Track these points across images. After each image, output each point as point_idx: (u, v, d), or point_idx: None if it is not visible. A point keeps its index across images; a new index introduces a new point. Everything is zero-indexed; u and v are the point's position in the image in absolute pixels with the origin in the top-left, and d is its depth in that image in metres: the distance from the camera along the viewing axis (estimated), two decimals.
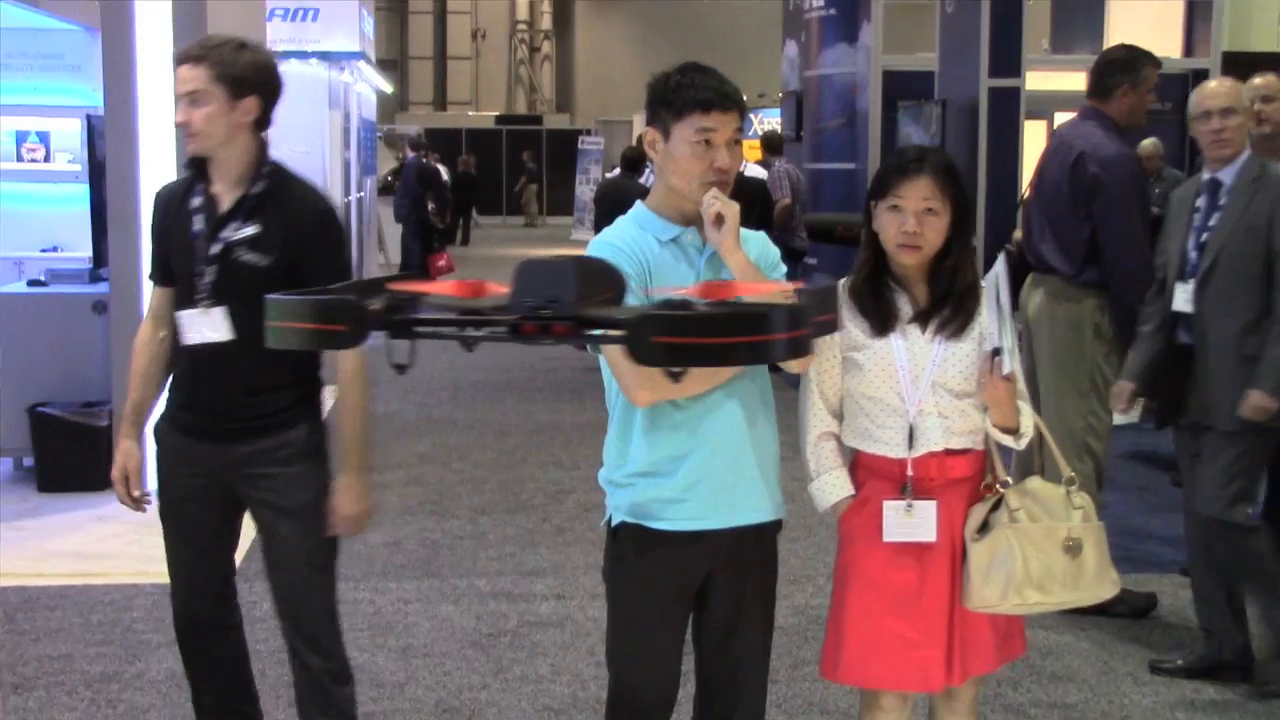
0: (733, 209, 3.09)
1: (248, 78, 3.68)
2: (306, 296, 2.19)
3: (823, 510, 3.46)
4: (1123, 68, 5.76)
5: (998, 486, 3.35)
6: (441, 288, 2.32)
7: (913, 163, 3.32)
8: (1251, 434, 4.84)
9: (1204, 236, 4.95)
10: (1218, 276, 4.90)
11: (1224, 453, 4.89)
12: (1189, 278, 4.97)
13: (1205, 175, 5.02)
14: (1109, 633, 5.50)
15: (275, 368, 3.68)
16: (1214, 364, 4.91)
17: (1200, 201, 5.00)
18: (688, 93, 3.17)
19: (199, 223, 3.73)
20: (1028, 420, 3.34)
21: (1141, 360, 5.20)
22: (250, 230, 3.68)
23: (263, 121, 3.76)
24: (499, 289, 2.22)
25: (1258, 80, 5.51)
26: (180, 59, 3.69)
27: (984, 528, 3.32)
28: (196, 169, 3.78)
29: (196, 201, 3.75)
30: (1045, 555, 3.29)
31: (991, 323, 3.28)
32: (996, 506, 3.33)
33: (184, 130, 3.68)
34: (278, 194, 3.73)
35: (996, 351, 3.24)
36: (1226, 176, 4.94)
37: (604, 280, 2.28)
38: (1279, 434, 4.95)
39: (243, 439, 3.75)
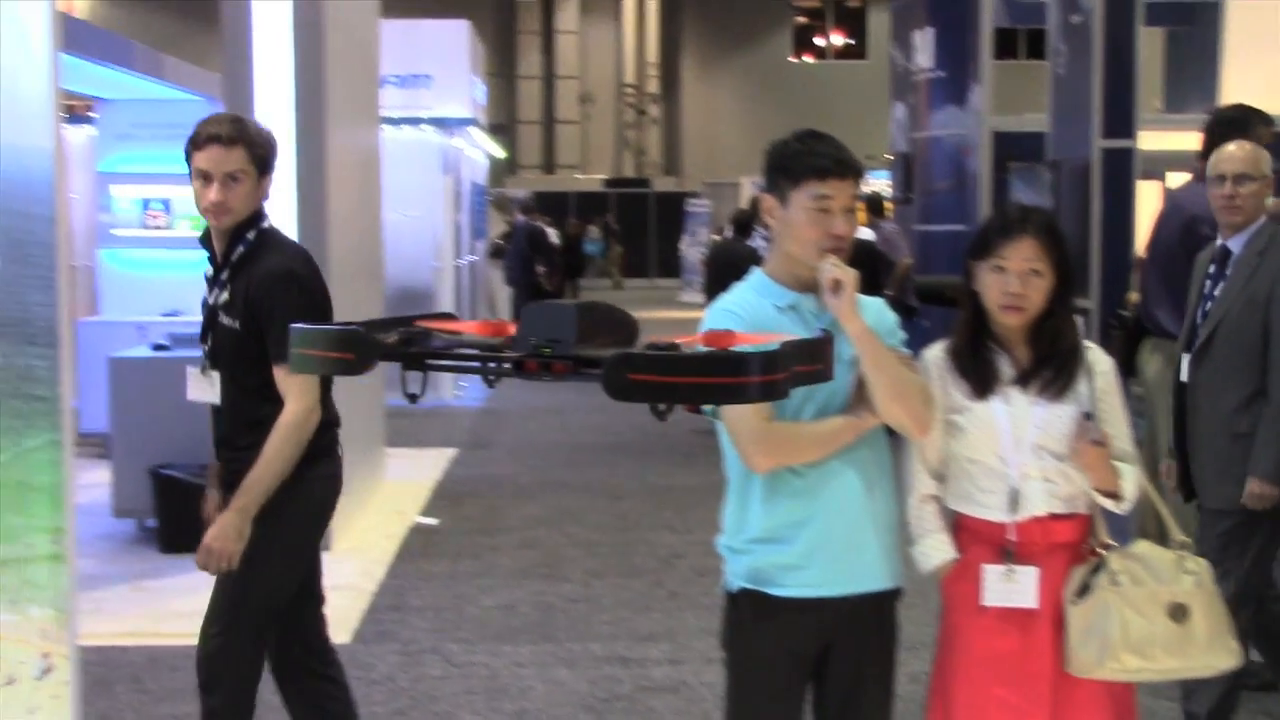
0: (850, 275, 3.09)
1: (268, 157, 3.93)
2: (322, 325, 2.30)
3: (926, 573, 3.43)
4: (1234, 127, 5.66)
5: (1099, 549, 3.30)
6: (465, 327, 2.43)
7: (1016, 223, 3.29)
8: (1239, 513, 4.65)
9: (1208, 306, 4.80)
10: (1215, 349, 4.72)
11: (1210, 531, 4.71)
12: (1193, 348, 4.82)
13: (1219, 242, 4.86)
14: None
15: (253, 425, 3.88)
16: (1204, 439, 4.76)
17: (1211, 269, 4.85)
18: (805, 160, 3.18)
19: (205, 290, 4.03)
20: (1130, 483, 3.28)
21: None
22: (225, 296, 3.92)
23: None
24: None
25: None
26: (212, 138, 3.84)
27: (1084, 590, 3.26)
28: (205, 240, 4.00)
29: (210, 270, 4.02)
30: (1146, 620, 3.21)
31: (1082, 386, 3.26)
32: (1098, 569, 3.26)
33: (216, 209, 3.85)
34: (250, 259, 3.91)
35: (1088, 416, 3.21)
36: (1236, 245, 4.77)
37: (613, 325, 2.35)
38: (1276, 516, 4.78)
39: (233, 489, 3.92)
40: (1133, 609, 3.21)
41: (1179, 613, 3.23)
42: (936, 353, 3.41)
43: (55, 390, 2.51)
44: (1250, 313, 4.66)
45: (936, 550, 3.38)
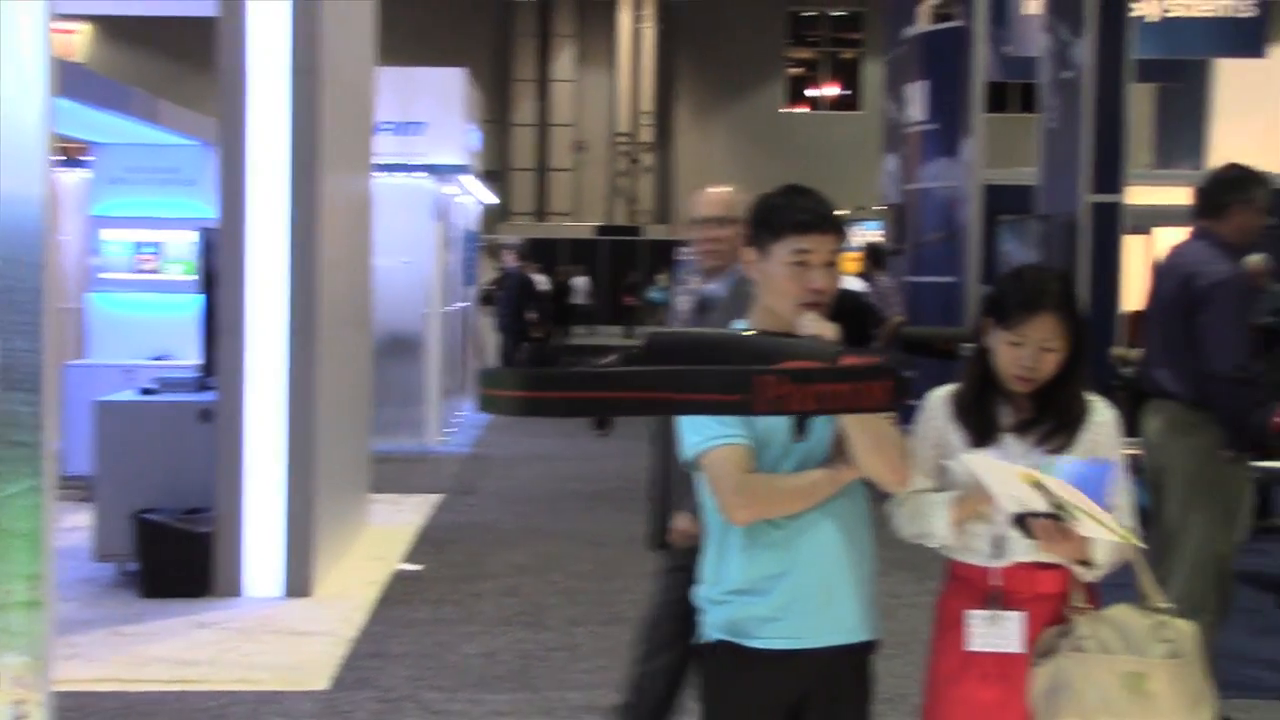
0: (829, 330, 3.10)
1: None
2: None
3: (937, 531, 3.33)
4: (1234, 186, 5.68)
5: (1067, 612, 3.28)
6: None
7: (1035, 298, 3.26)
8: None
9: None
10: None
11: None
12: None
13: (699, 288, 4.80)
14: None
15: None
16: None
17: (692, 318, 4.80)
18: (785, 214, 3.20)
19: None
20: (1102, 551, 3.21)
21: None
22: None
23: None
24: None
25: None
26: None
27: (1049, 651, 3.25)
28: None
29: None
30: (1101, 688, 3.15)
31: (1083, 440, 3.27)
32: (1067, 632, 3.25)
33: None
34: None
35: (1054, 515, 3.10)
36: (721, 290, 4.69)
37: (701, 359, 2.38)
38: None
39: None
40: (1087, 676, 3.17)
41: (1135, 682, 3.15)
42: (941, 396, 3.42)
43: (38, 436, 2.51)
44: None
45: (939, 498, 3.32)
